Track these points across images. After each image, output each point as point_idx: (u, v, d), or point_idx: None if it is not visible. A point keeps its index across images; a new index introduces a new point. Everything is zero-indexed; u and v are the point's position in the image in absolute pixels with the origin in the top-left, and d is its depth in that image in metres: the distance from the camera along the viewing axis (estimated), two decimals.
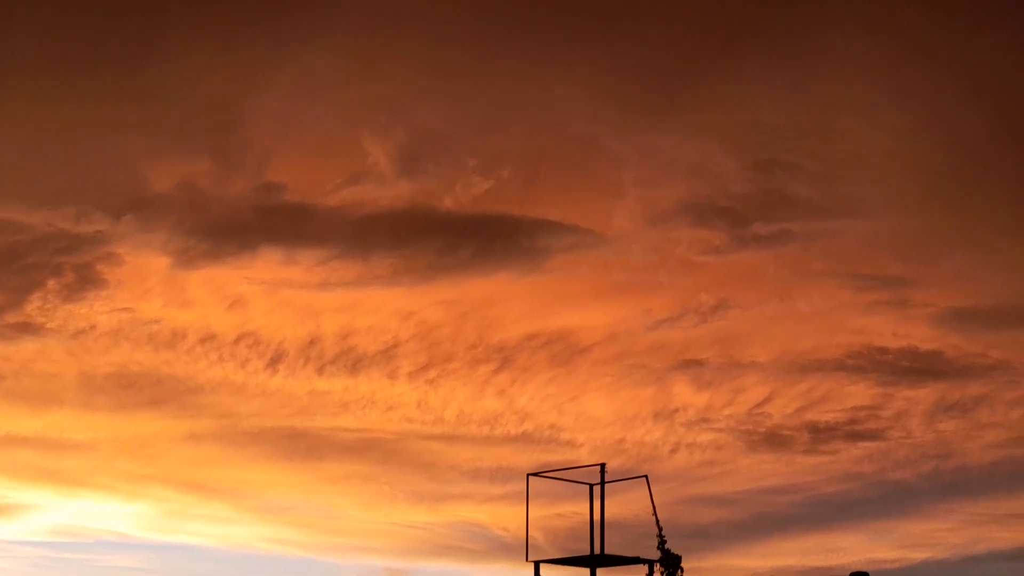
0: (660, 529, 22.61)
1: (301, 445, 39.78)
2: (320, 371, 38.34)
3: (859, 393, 38.14)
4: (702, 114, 36.35)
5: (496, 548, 39.58)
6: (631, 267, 37.64)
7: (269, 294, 37.75)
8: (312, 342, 38.25)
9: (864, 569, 23.18)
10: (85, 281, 36.63)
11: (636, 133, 36.37)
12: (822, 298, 37.87)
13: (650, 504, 23.00)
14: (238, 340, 37.99)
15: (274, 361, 38.19)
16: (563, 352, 38.53)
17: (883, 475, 39.13)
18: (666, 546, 22.54)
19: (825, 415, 38.39)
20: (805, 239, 37.06)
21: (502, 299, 38.49)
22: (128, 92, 35.88)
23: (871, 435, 38.33)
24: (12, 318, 36.79)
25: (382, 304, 38.13)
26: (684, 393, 38.37)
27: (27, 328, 36.86)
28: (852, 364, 37.86)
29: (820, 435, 38.39)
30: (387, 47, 36.09)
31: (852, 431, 38.33)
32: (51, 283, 36.65)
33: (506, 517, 38.54)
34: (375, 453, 40.05)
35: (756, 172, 36.45)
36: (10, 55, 35.83)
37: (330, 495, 41.35)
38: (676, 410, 38.49)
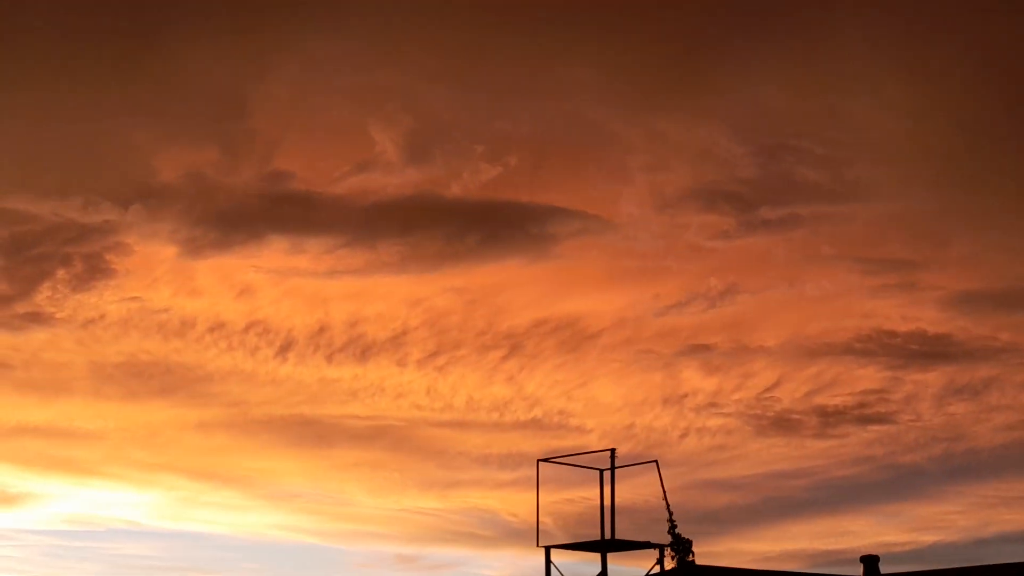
0: (671, 514, 22.62)
1: (311, 433, 39.88)
2: (329, 359, 38.42)
3: (868, 377, 38.13)
4: (709, 99, 36.33)
5: (506, 534, 39.66)
6: (639, 253, 37.66)
7: (277, 282, 37.83)
8: (321, 330, 38.34)
9: (874, 552, 23.16)
10: (94, 271, 36.73)
11: (643, 118, 36.37)
12: (830, 282, 37.85)
13: (660, 489, 23.01)
14: (247, 328, 38.09)
15: (283, 349, 38.29)
16: (572, 338, 38.56)
17: (893, 458, 39.13)
18: (676, 531, 22.56)
19: (834, 399, 38.41)
20: (813, 223, 37.04)
21: (510, 286, 38.53)
22: (135, 81, 35.90)
23: (880, 419, 38.33)
24: (22, 308, 36.90)
25: (390, 292, 38.19)
26: (693, 378, 38.40)
27: (37, 318, 36.96)
28: (861, 348, 37.84)
29: (829, 419, 38.41)
30: (394, 34, 36.08)
31: (861, 415, 38.34)
32: (60, 273, 36.78)
33: (516, 503, 38.59)
34: (385, 440, 40.14)
35: (763, 156, 36.43)
36: (17, 46, 35.87)
37: (340, 482, 41.46)
38: (685, 395, 38.52)
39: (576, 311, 38.44)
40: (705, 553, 23.06)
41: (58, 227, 36.17)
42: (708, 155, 36.62)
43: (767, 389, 38.32)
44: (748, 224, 36.65)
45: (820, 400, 38.39)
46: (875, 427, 38.45)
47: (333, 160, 37.11)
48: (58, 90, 35.69)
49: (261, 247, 36.91)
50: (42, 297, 36.81)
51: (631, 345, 38.35)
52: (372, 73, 36.05)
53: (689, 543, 22.32)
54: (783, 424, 38.42)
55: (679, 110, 36.16)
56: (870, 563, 22.98)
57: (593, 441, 37.23)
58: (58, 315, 37.04)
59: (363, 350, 38.41)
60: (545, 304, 38.50)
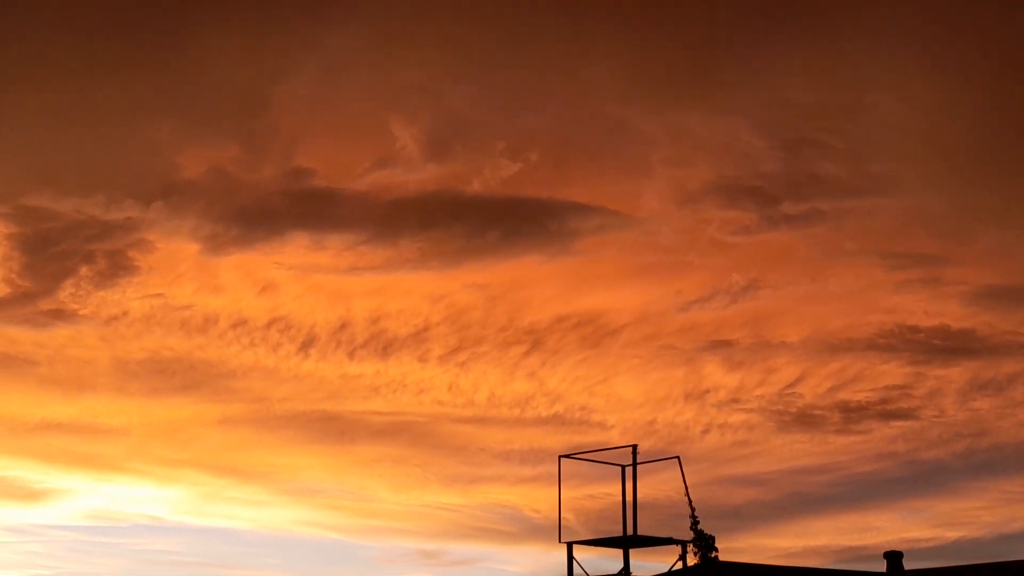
0: (693, 510, 22.55)
1: (333, 428, 39.97)
2: (351, 355, 38.50)
3: (891, 372, 37.95)
4: (730, 93, 36.17)
5: (528, 529, 39.67)
6: (661, 248, 37.56)
7: (299, 279, 37.92)
8: (343, 326, 38.42)
9: (898, 548, 23.06)
10: (117, 267, 36.87)
11: (665, 113, 36.26)
12: (853, 277, 37.67)
13: (682, 485, 22.94)
14: (269, 325, 38.21)
15: (305, 345, 38.38)
16: (593, 334, 38.52)
17: (916, 454, 38.95)
18: (699, 527, 22.49)
19: (857, 395, 38.23)
20: (836, 218, 36.87)
21: (531, 282, 38.50)
22: (158, 79, 36.04)
23: (904, 414, 38.15)
24: (45, 305, 37.08)
25: (412, 288, 38.23)
26: (715, 374, 38.29)
27: (60, 315, 37.13)
28: (884, 343, 37.66)
29: (852, 415, 38.25)
30: (414, 30, 36.07)
31: (884, 410, 38.16)
32: (83, 270, 36.94)
33: (537, 499, 38.59)
34: (406, 436, 40.20)
35: (785, 151, 36.25)
36: (39, 44, 36.03)
37: (362, 478, 41.55)
38: (707, 391, 38.43)
39: (597, 307, 38.43)
40: (727, 549, 23.00)
41: (81, 224, 36.34)
42: (730, 150, 36.53)
43: (789, 385, 38.23)
44: (770, 219, 36.56)
45: (843, 396, 38.28)
46: (898, 423, 38.32)
47: (354, 156, 37.22)
48: (80, 88, 35.87)
49: (283, 243, 37.07)
50: (66, 294, 37.04)
51: (653, 341, 38.33)
52: (393, 70, 36.11)
53: (712, 539, 22.24)
54: (806, 420, 38.31)
55: (700, 105, 36.06)
56: (894, 559, 22.89)
57: (615, 437, 37.23)
58: (81, 312, 37.26)
59: (385, 346, 38.51)
60: (566, 300, 38.51)
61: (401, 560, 44.08)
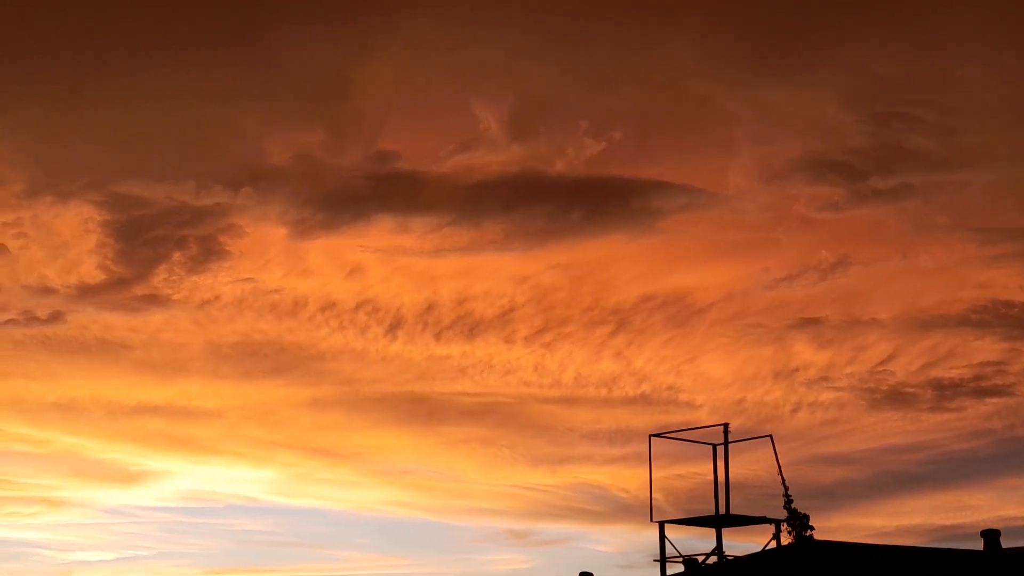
0: (786, 488, 22.39)
1: (421, 410, 40.28)
2: (438, 336, 38.74)
3: (985, 348, 37.27)
4: (816, 67, 35.66)
5: (617, 509, 39.68)
6: (747, 226, 37.20)
7: (385, 261, 38.21)
8: (429, 308, 38.65)
9: (995, 527, 22.66)
10: (208, 252, 37.44)
11: (749, 89, 35.82)
12: (945, 252, 37.02)
13: (773, 464, 22.80)
14: (357, 307, 38.57)
15: (393, 327, 38.69)
16: (679, 313, 38.34)
17: (1012, 431, 38.23)
18: (793, 505, 22.33)
19: (950, 372, 37.63)
20: (926, 192, 36.22)
21: (616, 261, 38.39)
22: (243, 66, 36.45)
23: (998, 391, 37.45)
24: (140, 290, 37.80)
25: (497, 269, 38.34)
26: (804, 352, 37.92)
27: (154, 300, 37.82)
28: (977, 319, 37.00)
29: (945, 392, 37.64)
30: (495, 11, 35.99)
31: (978, 387, 37.49)
32: (176, 255, 37.55)
33: (626, 478, 38.59)
34: (494, 417, 40.38)
35: (873, 125, 35.64)
36: (128, 34, 36.57)
37: (450, 458, 41.84)
38: (796, 369, 38.07)
39: (683, 286, 38.23)
40: (819, 529, 22.80)
41: (172, 211, 36.91)
42: (816, 125, 36.02)
43: (881, 362, 37.74)
44: (859, 194, 36.02)
45: (935, 373, 37.70)
46: (993, 400, 37.63)
47: (437, 139, 37.34)
48: (169, 78, 36.33)
49: (368, 227, 37.35)
50: (159, 279, 37.69)
51: (740, 319, 38.04)
52: (475, 51, 36.10)
53: (806, 518, 22.08)
54: (897, 398, 37.79)
55: (786, 80, 35.61)
56: (991, 538, 22.47)
57: (703, 416, 37.06)
58: (175, 297, 37.90)
59: (471, 327, 38.70)
60: (651, 279, 38.35)
61: (491, 540, 44.39)
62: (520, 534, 43.75)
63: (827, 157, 36.07)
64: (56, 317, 37.76)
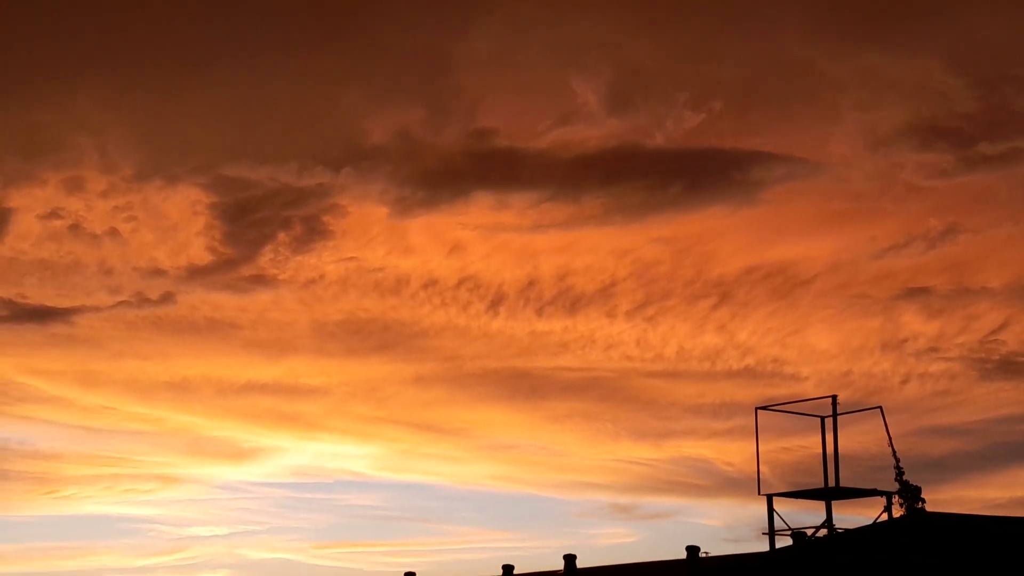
0: (897, 460, 22.04)
1: (524, 385, 40.47)
2: (539, 312, 38.82)
3: None
4: (922, 30, 34.76)
5: (722, 483, 39.47)
6: (852, 195, 36.53)
7: (485, 238, 38.35)
8: (530, 284, 38.73)
9: None
10: (312, 232, 37.98)
11: (853, 55, 35.08)
12: None
13: (883, 436, 22.45)
14: (459, 284, 38.80)
15: (494, 304, 38.86)
16: (783, 285, 37.87)
17: None
18: (904, 478, 21.97)
19: None
20: None
21: (717, 234, 38.02)
22: (342, 46, 36.71)
23: None
24: (247, 271, 38.49)
25: (597, 244, 38.23)
26: (913, 322, 37.23)
27: (261, 280, 38.52)
28: None
29: None
30: None
31: None
32: (281, 236, 38.15)
33: (731, 452, 38.35)
34: (596, 391, 40.39)
35: (982, 89, 34.68)
36: (230, 19, 37.09)
37: (553, 433, 42.00)
38: (905, 340, 37.40)
39: (787, 257, 37.75)
40: (931, 501, 22.41)
41: (276, 192, 37.47)
42: (923, 90, 35.17)
43: (992, 332, 36.90)
44: (968, 161, 35.13)
45: None
46: None
47: (535, 114, 37.25)
48: (270, 61, 36.82)
49: (468, 204, 37.48)
50: (265, 260, 38.34)
51: (846, 290, 37.46)
52: (572, 25, 35.90)
53: (918, 490, 21.71)
54: (1010, 368, 36.93)
55: (891, 44, 34.80)
56: None
57: (809, 389, 36.61)
58: (281, 276, 38.55)
59: (572, 302, 38.68)
60: (754, 251, 37.92)
61: (596, 514, 44.51)
62: (625, 508, 43.81)
63: (934, 123, 35.25)
64: (167, 298, 38.72)
